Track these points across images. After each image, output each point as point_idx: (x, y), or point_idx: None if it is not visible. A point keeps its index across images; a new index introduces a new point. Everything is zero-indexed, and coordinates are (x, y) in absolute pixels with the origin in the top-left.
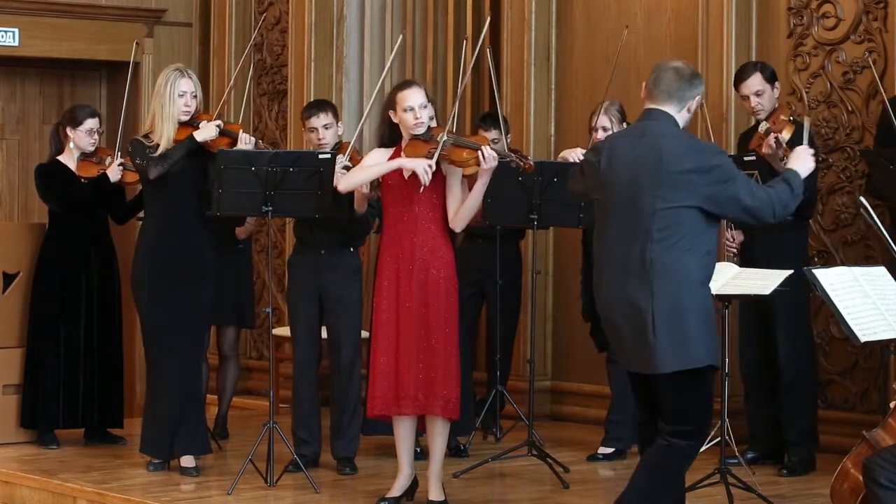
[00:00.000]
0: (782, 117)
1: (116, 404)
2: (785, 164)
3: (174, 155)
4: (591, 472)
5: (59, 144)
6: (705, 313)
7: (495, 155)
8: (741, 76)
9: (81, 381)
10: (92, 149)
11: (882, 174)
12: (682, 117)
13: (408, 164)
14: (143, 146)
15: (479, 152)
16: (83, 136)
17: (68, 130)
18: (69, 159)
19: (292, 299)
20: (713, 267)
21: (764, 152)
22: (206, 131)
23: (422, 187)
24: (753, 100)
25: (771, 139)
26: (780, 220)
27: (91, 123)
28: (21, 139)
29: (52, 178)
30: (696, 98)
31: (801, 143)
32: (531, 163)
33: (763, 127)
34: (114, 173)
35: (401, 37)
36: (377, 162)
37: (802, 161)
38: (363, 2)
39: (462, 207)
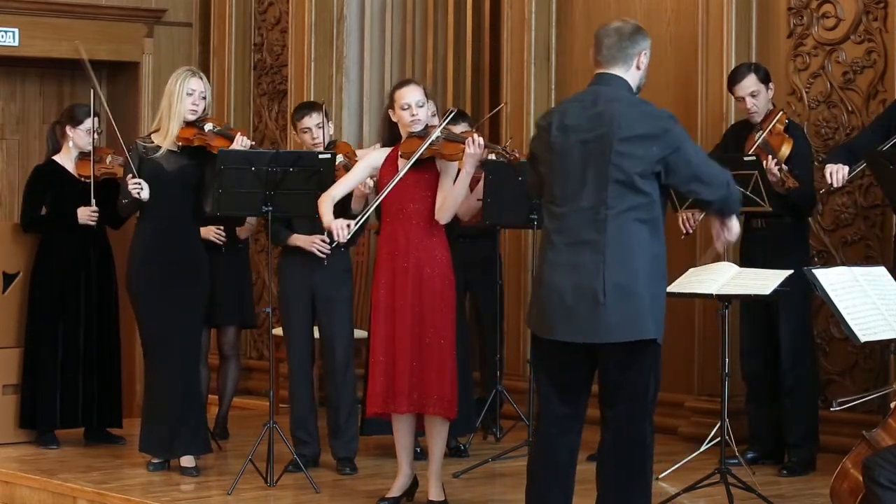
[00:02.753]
0: (778, 126)
1: (115, 404)
2: (787, 188)
3: (132, 207)
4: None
5: (57, 144)
6: (659, 283)
7: (482, 143)
8: (735, 78)
9: (81, 381)
10: (91, 147)
11: (882, 174)
12: (632, 76)
13: (325, 223)
14: (137, 159)
15: (468, 140)
16: (83, 136)
17: (67, 129)
18: (66, 159)
19: (284, 300)
20: (662, 235)
21: (769, 178)
22: (143, 192)
23: (334, 243)
24: (749, 101)
25: (773, 167)
26: (730, 197)
27: (91, 123)
28: (21, 139)
29: (49, 178)
30: (643, 53)
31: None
32: (517, 155)
33: (759, 136)
34: (84, 218)
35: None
36: (374, 162)
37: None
38: (363, 2)
39: (446, 198)
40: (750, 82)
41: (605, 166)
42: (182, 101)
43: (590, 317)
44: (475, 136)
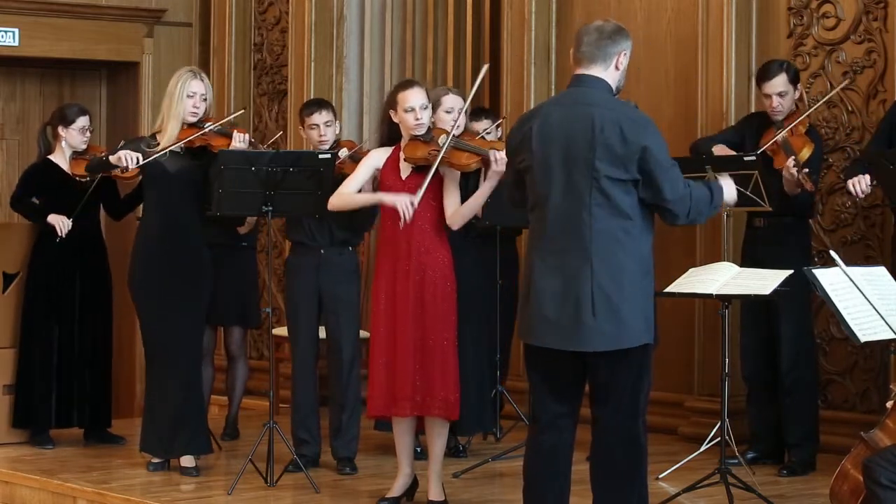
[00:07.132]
0: (800, 128)
1: (106, 403)
2: (801, 190)
3: (102, 166)
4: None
5: (48, 145)
6: (647, 283)
7: (505, 159)
8: (765, 75)
9: (75, 380)
10: (84, 146)
11: (882, 174)
12: (611, 76)
13: (388, 199)
14: (138, 144)
15: (491, 156)
16: (76, 135)
17: (59, 130)
18: (60, 159)
19: (291, 299)
20: (651, 240)
21: (785, 177)
22: (124, 159)
23: (401, 222)
24: (775, 100)
25: (791, 166)
26: (688, 224)
27: (83, 121)
28: (21, 139)
29: (44, 175)
30: (623, 53)
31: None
32: None
33: (781, 136)
34: (55, 221)
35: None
36: (376, 162)
37: (729, 186)
38: (363, 2)
39: (463, 206)
40: (780, 82)
41: (588, 172)
42: (182, 103)
43: (578, 325)
44: (495, 153)
